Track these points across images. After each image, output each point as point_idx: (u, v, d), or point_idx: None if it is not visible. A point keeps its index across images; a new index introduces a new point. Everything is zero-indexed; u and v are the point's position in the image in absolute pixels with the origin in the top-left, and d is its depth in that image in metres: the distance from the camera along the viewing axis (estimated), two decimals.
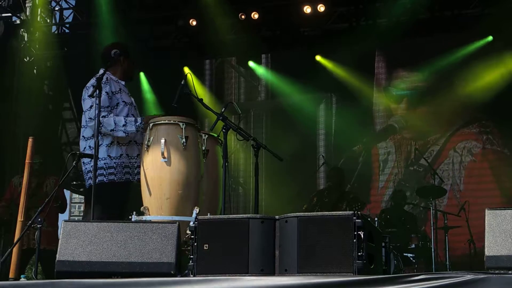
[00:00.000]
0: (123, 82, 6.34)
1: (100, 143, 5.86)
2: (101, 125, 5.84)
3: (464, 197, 10.31)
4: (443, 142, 11.37)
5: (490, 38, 10.77)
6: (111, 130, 5.93)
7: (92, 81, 6.10)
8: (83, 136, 6.16)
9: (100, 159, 5.91)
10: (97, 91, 5.63)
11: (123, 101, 6.13)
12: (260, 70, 12.42)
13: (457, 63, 10.93)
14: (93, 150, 5.58)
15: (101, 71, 6.02)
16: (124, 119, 5.98)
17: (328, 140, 12.00)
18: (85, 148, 6.06)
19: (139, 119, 6.00)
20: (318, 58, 11.72)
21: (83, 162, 6.11)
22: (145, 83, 12.00)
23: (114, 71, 6.28)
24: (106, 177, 5.98)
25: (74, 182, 12.34)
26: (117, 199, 6.03)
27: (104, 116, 5.89)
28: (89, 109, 5.98)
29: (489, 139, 11.12)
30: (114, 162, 6.02)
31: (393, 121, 11.78)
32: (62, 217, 8.88)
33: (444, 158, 11.28)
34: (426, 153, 11.19)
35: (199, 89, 11.78)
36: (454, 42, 10.99)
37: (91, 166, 5.66)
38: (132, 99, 6.31)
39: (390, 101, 11.76)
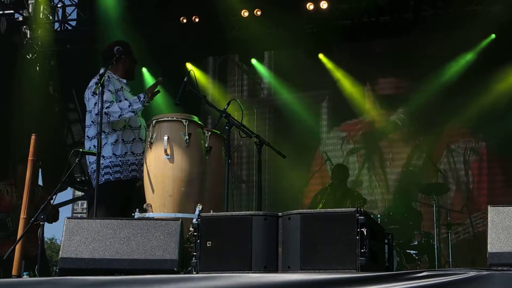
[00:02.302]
0: (124, 81, 6.33)
1: (105, 142, 5.86)
2: (108, 117, 5.85)
3: (463, 196, 10.31)
4: (438, 141, 11.31)
5: (493, 36, 10.70)
6: (119, 116, 5.94)
7: (94, 80, 6.10)
8: (87, 136, 6.16)
9: (105, 158, 5.91)
10: (100, 88, 5.63)
11: (125, 99, 6.14)
12: (262, 68, 12.38)
13: (460, 62, 10.91)
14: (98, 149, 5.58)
15: (102, 70, 6.01)
16: (128, 101, 6.00)
17: (331, 137, 11.98)
18: (90, 148, 6.05)
19: (141, 95, 6.02)
20: (320, 56, 11.71)
21: (89, 162, 6.11)
22: (149, 79, 11.99)
23: (115, 70, 6.27)
24: (112, 176, 5.99)
25: (79, 179, 12.31)
26: (124, 197, 6.04)
27: (108, 107, 5.89)
28: (94, 107, 5.97)
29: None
30: (120, 160, 6.03)
31: (394, 119, 11.73)
32: (64, 214, 8.81)
33: (439, 157, 11.23)
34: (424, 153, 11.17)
35: (203, 86, 11.78)
36: (458, 40, 10.92)
37: None
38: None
39: (387, 100, 11.71)
